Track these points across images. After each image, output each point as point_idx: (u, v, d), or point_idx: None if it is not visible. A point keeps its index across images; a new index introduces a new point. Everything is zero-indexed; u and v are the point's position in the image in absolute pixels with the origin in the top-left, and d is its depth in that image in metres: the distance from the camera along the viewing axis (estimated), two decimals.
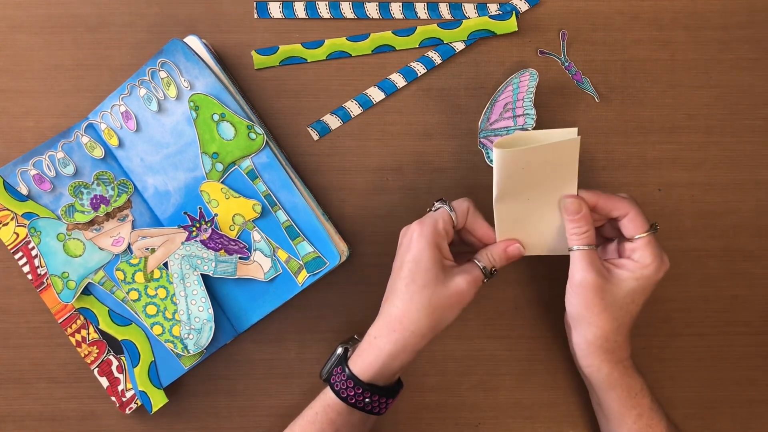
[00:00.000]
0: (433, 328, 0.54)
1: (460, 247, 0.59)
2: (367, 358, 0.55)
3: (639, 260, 0.56)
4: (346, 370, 0.55)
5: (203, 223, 0.61)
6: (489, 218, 0.58)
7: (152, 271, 0.62)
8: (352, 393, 0.54)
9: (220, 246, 0.61)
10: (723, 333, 0.65)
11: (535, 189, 0.55)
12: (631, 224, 0.56)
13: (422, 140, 0.64)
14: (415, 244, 0.55)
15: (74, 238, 0.62)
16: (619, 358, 0.57)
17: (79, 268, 0.62)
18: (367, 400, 0.54)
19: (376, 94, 0.64)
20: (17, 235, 0.62)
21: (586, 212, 0.56)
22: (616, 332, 0.56)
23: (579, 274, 0.55)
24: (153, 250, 0.62)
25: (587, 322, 0.56)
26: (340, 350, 0.59)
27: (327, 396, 0.56)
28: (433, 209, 0.57)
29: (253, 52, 0.64)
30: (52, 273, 0.62)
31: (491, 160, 0.63)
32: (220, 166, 0.61)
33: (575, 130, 0.54)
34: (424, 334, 0.54)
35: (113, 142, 0.62)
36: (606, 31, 0.65)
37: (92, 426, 0.64)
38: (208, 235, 0.61)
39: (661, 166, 0.65)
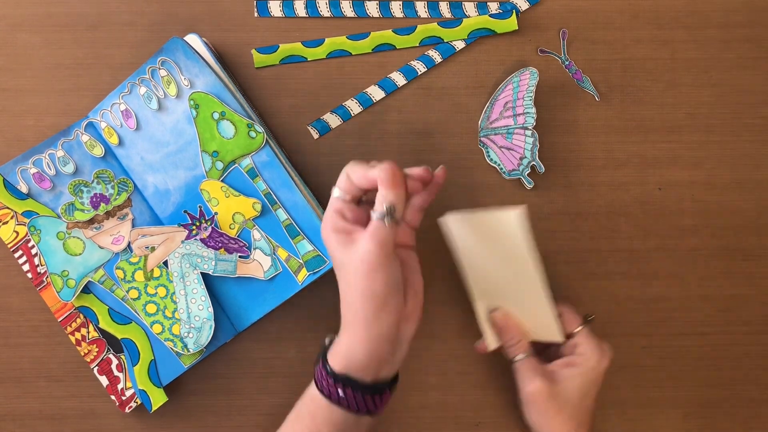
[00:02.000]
0: (368, 304, 0.50)
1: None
2: (335, 348, 0.52)
3: (581, 354, 0.58)
4: (323, 360, 0.52)
5: (203, 221, 0.61)
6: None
7: (152, 269, 0.62)
8: (326, 383, 0.51)
9: (220, 244, 0.61)
10: (723, 332, 0.65)
11: (497, 267, 0.57)
12: (564, 322, 0.59)
13: (422, 139, 0.64)
14: (330, 243, 0.52)
15: (74, 237, 0.62)
16: None
17: (78, 266, 0.62)
18: (340, 392, 0.51)
19: (376, 93, 0.64)
20: (17, 233, 0.62)
21: (513, 324, 0.59)
22: (557, 419, 0.57)
23: (525, 384, 0.58)
24: (153, 249, 0.62)
25: (547, 430, 0.57)
26: (326, 341, 0.55)
27: (311, 387, 0.53)
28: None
29: (253, 51, 0.64)
30: (51, 271, 0.62)
31: (491, 159, 0.63)
32: (220, 165, 0.61)
33: (522, 206, 0.54)
34: (365, 316, 0.50)
35: (113, 140, 0.62)
36: (606, 30, 0.65)
37: (92, 424, 0.64)
38: (208, 233, 0.61)
39: (662, 165, 0.65)
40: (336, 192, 0.53)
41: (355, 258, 0.50)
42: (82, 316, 0.62)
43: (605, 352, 0.58)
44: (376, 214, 0.50)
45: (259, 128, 0.60)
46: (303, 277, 0.61)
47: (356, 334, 0.50)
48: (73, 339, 0.63)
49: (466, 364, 0.65)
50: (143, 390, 0.62)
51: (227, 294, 0.62)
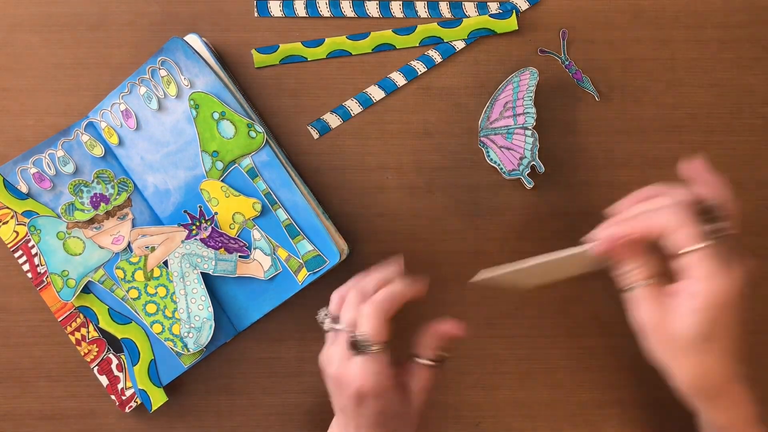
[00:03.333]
0: None
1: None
2: None
3: (693, 283, 0.44)
4: None
5: (203, 221, 0.61)
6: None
7: (152, 269, 0.62)
8: None
9: (220, 244, 0.61)
10: None
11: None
12: (674, 239, 0.44)
13: (422, 139, 0.64)
14: (373, 402, 0.48)
15: (74, 237, 0.62)
16: (727, 403, 0.47)
17: (78, 266, 0.62)
18: None
19: (376, 93, 0.64)
20: (17, 233, 0.62)
21: (626, 245, 0.46)
22: (705, 378, 0.46)
23: (636, 317, 0.47)
24: (153, 249, 0.62)
25: (668, 369, 0.47)
26: None
27: None
28: (355, 353, 0.49)
29: (253, 51, 0.64)
30: (51, 271, 0.62)
31: (491, 159, 0.63)
32: (220, 165, 0.61)
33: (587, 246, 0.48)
34: None
35: (113, 140, 0.62)
36: (606, 30, 0.65)
37: (92, 424, 0.64)
38: (208, 233, 0.61)
39: (662, 165, 0.65)
40: (366, 347, 0.48)
41: (416, 412, 0.50)
42: (82, 316, 0.62)
43: (730, 277, 0.43)
44: (428, 362, 0.51)
45: (259, 128, 0.60)
46: (303, 277, 0.61)
47: None
48: (73, 339, 0.63)
49: (466, 364, 0.65)
50: (143, 390, 0.62)
51: (227, 294, 0.62)
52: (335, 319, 0.52)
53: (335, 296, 0.53)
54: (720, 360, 0.46)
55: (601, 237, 0.46)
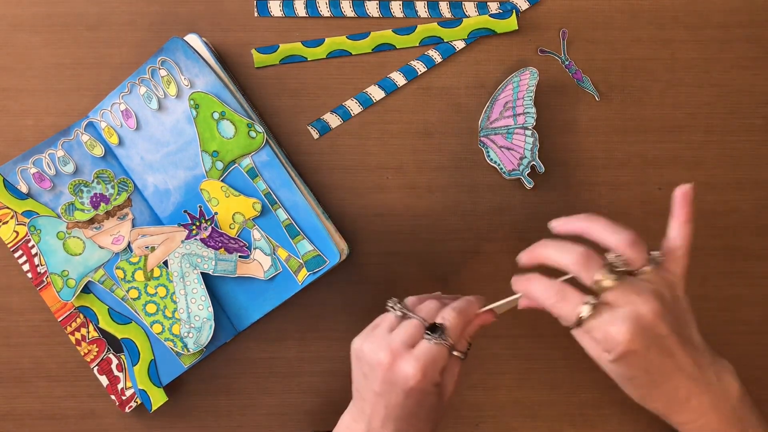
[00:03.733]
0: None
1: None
2: None
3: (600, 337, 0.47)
4: None
5: (203, 221, 0.61)
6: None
7: (152, 269, 0.62)
8: None
9: (220, 244, 0.61)
10: (723, 332, 0.65)
11: None
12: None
13: (422, 139, 0.64)
14: (419, 393, 0.48)
15: (74, 237, 0.62)
16: (684, 419, 0.50)
17: (78, 266, 0.62)
18: None
19: (376, 93, 0.64)
20: (17, 233, 0.62)
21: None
22: (646, 403, 0.50)
23: (587, 352, 0.50)
24: (153, 249, 0.62)
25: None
26: None
27: None
28: (429, 338, 0.49)
29: (253, 51, 0.64)
30: (51, 271, 0.62)
31: (491, 159, 0.63)
32: (220, 165, 0.61)
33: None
34: None
35: (113, 140, 0.62)
36: (606, 30, 0.65)
37: (92, 424, 0.64)
38: (208, 233, 0.61)
39: (662, 165, 0.65)
40: (446, 354, 0.49)
41: (446, 400, 0.51)
42: (82, 316, 0.62)
43: (624, 326, 0.45)
44: (461, 354, 0.51)
45: (259, 128, 0.60)
46: (303, 277, 0.61)
47: None
48: (73, 339, 0.63)
49: (466, 364, 0.64)
50: (143, 390, 0.62)
51: (227, 294, 0.62)
52: (407, 308, 0.52)
53: (412, 298, 0.54)
54: (654, 390, 0.48)
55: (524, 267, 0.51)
